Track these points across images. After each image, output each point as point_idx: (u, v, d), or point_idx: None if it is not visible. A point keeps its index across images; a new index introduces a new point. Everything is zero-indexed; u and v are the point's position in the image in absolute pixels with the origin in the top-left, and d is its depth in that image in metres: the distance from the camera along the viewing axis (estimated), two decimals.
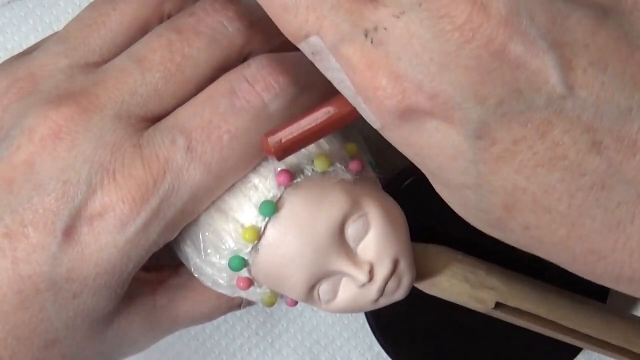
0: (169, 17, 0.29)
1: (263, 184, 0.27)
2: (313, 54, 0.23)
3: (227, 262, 0.27)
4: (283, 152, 0.25)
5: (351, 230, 0.27)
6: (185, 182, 0.26)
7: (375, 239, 0.27)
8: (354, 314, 0.37)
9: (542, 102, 0.21)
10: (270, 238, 0.27)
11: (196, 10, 0.28)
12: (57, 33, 0.29)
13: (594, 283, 0.23)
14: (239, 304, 0.31)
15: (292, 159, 0.27)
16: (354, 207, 0.27)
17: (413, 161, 0.23)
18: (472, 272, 0.31)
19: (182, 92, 0.27)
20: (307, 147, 0.27)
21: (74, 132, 0.25)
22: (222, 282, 0.28)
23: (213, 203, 0.27)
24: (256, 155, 0.27)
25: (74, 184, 0.25)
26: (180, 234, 0.28)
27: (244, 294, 0.29)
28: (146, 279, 0.29)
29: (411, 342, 0.35)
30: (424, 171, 0.24)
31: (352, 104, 0.23)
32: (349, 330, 0.38)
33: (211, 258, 0.28)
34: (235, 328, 0.37)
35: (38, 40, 0.31)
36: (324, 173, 0.27)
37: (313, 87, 0.27)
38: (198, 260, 0.28)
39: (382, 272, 0.27)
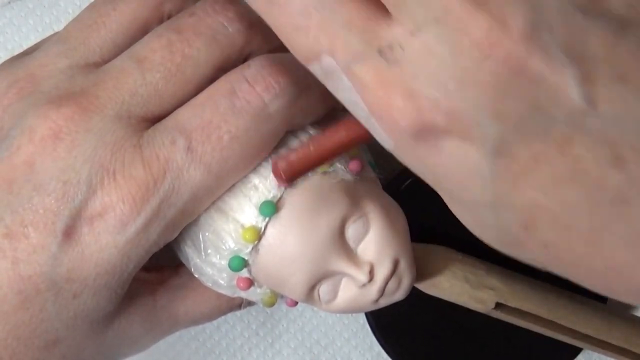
0: (169, 17, 0.29)
1: (263, 184, 0.27)
2: (325, 74, 0.22)
3: (227, 262, 0.27)
4: (292, 177, 0.25)
5: (351, 230, 0.27)
6: (185, 182, 0.26)
7: (375, 239, 0.27)
8: (354, 314, 0.37)
9: (562, 118, 0.20)
10: (270, 238, 0.27)
11: (196, 10, 0.28)
12: (57, 33, 0.29)
13: None
14: (239, 304, 0.31)
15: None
16: (354, 207, 0.27)
17: (427, 181, 0.23)
18: (472, 272, 0.31)
19: (182, 92, 0.27)
20: None
21: (74, 132, 0.25)
22: (222, 282, 0.28)
23: (213, 203, 0.27)
24: (256, 155, 0.27)
25: (74, 184, 0.25)
26: (180, 234, 0.28)
27: (243, 294, 0.29)
28: (146, 279, 0.29)
29: (411, 342, 0.35)
30: (438, 191, 0.23)
31: (365, 125, 0.23)
32: (349, 330, 0.38)
33: (211, 258, 0.28)
34: (235, 328, 0.37)
35: (38, 40, 0.31)
36: (324, 173, 0.27)
37: (313, 88, 0.27)
38: (198, 260, 0.28)
39: (382, 272, 0.27)
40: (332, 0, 0.21)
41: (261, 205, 0.27)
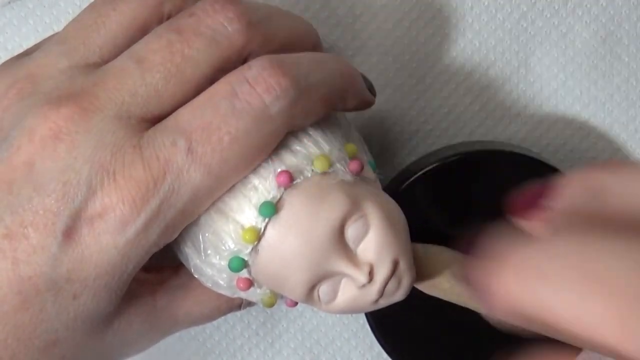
0: (169, 17, 0.29)
1: (263, 185, 0.27)
2: None
3: (227, 262, 0.27)
4: None
5: (351, 231, 0.27)
6: (185, 183, 0.26)
7: (375, 239, 0.27)
8: (354, 314, 0.37)
9: None
10: (270, 239, 0.27)
11: (196, 10, 0.27)
12: (56, 33, 0.29)
13: None
14: (239, 305, 0.31)
15: (291, 160, 0.27)
16: (354, 208, 0.27)
17: None
18: None
19: (181, 92, 0.27)
20: (307, 148, 0.28)
21: (74, 133, 0.25)
22: (221, 282, 0.28)
23: (213, 204, 0.27)
24: (256, 156, 0.27)
25: (73, 184, 0.25)
26: (180, 234, 0.27)
27: (243, 295, 0.29)
28: (146, 280, 0.29)
29: (411, 342, 0.35)
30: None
31: None
32: (349, 330, 0.38)
33: (211, 259, 0.28)
34: (235, 328, 0.37)
35: (38, 40, 0.31)
36: (323, 173, 0.27)
37: (313, 89, 0.27)
38: (198, 260, 0.28)
39: (381, 273, 0.27)
40: None
41: (261, 205, 0.27)
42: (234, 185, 0.27)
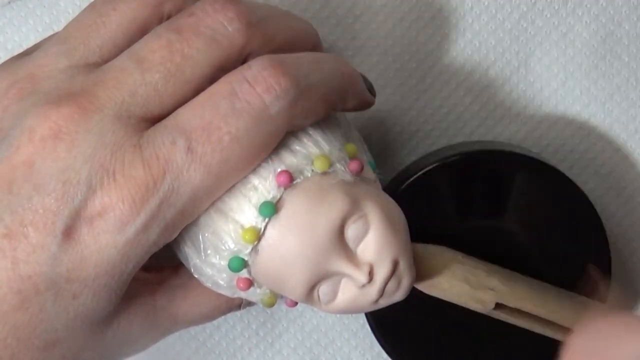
0: (169, 17, 0.29)
1: (262, 185, 0.27)
2: None
3: (227, 262, 0.27)
4: None
5: (351, 231, 0.27)
6: (185, 183, 0.26)
7: (375, 239, 0.27)
8: (354, 314, 0.37)
9: None
10: (270, 239, 0.27)
11: (195, 10, 0.27)
12: (56, 33, 0.29)
13: None
14: (239, 304, 0.31)
15: (291, 159, 0.27)
16: (354, 208, 0.27)
17: None
18: (472, 273, 0.31)
19: (181, 92, 0.27)
20: (307, 148, 0.28)
21: (74, 132, 0.25)
22: (221, 282, 0.28)
23: (213, 203, 0.27)
24: (256, 156, 0.27)
25: (73, 184, 0.25)
26: (180, 234, 0.27)
27: (243, 295, 0.29)
28: (146, 279, 0.29)
29: (411, 342, 0.35)
30: None
31: None
32: (349, 330, 0.38)
33: (211, 259, 0.28)
34: (235, 328, 0.37)
35: (38, 40, 0.31)
36: (323, 173, 0.27)
37: (313, 89, 0.27)
38: (198, 260, 0.28)
39: (381, 273, 0.27)
40: None
41: (261, 205, 0.27)
42: (233, 185, 0.27)
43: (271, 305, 0.29)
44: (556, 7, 0.37)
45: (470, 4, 0.36)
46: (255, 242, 0.27)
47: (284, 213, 0.27)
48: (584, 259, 0.34)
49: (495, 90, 0.37)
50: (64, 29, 0.29)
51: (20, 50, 0.30)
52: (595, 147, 0.38)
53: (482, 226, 0.34)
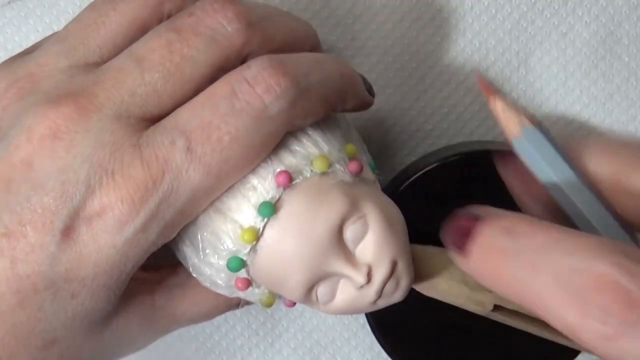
0: (169, 17, 0.29)
1: (262, 185, 0.27)
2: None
3: (225, 262, 0.27)
4: None
5: (349, 232, 0.27)
6: (184, 183, 0.26)
7: (374, 240, 0.27)
8: (354, 314, 0.37)
9: None
10: (269, 239, 0.27)
11: (195, 10, 0.27)
12: (56, 33, 0.29)
13: None
14: (237, 304, 0.31)
15: (290, 160, 0.27)
16: (353, 208, 0.27)
17: None
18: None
19: (181, 92, 0.27)
20: (306, 148, 0.28)
21: (73, 132, 0.25)
22: (220, 282, 0.28)
23: (212, 203, 0.27)
24: (256, 156, 0.27)
25: (72, 183, 0.25)
26: (179, 233, 0.27)
27: (242, 294, 0.29)
28: (144, 279, 0.29)
29: (411, 342, 0.35)
30: None
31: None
32: (349, 330, 0.38)
33: (209, 258, 0.28)
34: (235, 328, 0.37)
35: (38, 40, 0.31)
36: (322, 174, 0.27)
37: (313, 89, 0.27)
38: (196, 260, 0.28)
39: (380, 274, 0.27)
40: None
41: (260, 206, 0.27)
42: (233, 185, 0.27)
43: (269, 305, 0.29)
44: (556, 7, 0.37)
45: (470, 4, 0.36)
46: (254, 242, 0.27)
47: (283, 213, 0.27)
48: None
49: None
50: (64, 28, 0.29)
51: (20, 50, 0.30)
52: None
53: None
